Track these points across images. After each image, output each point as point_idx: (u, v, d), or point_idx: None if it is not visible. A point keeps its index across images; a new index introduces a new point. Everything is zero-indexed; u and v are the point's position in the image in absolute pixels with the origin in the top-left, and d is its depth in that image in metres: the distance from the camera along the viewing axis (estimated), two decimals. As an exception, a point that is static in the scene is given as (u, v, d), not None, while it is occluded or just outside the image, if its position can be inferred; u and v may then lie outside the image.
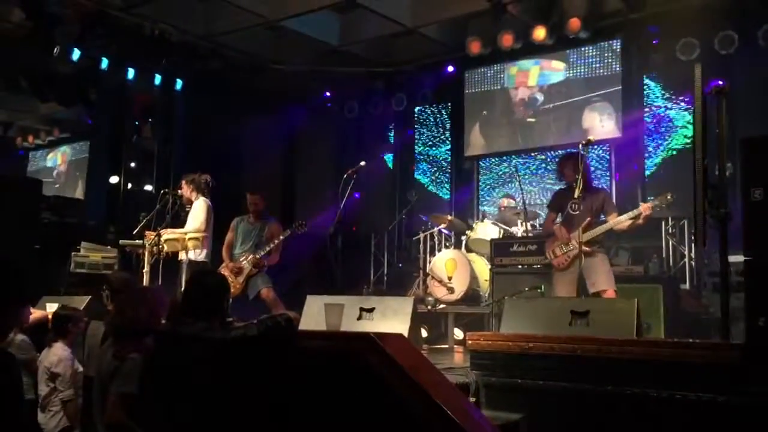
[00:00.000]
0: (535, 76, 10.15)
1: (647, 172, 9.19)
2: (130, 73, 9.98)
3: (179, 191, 7.33)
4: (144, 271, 6.98)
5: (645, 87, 9.32)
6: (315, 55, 10.67)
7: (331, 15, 10.02)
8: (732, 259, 4.29)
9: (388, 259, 10.41)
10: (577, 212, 5.85)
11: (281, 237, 7.07)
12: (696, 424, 3.20)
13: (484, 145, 10.63)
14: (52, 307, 5.76)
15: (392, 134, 11.64)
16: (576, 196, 5.78)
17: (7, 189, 9.55)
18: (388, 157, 11.55)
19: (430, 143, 11.32)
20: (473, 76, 10.71)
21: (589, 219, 5.88)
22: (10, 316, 2.56)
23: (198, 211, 7.10)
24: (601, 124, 9.49)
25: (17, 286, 2.49)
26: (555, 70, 9.96)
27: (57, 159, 15.11)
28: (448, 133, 11.14)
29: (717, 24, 8.42)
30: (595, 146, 8.99)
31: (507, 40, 9.38)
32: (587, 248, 5.81)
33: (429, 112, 11.38)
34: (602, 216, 6.09)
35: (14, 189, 9.67)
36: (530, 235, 7.58)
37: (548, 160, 9.97)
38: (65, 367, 4.70)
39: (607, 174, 9.54)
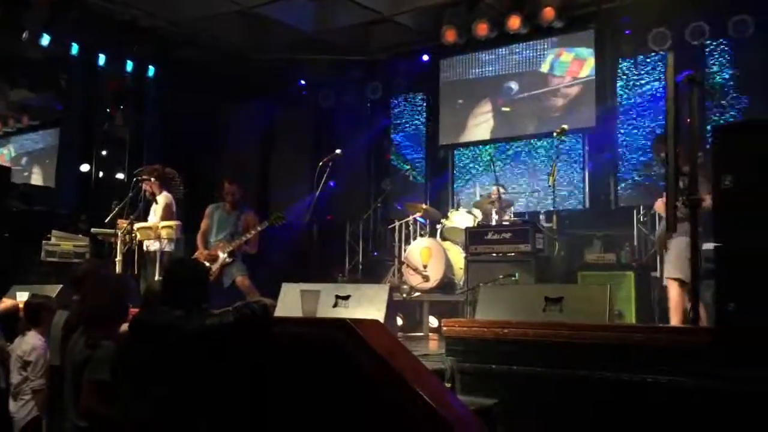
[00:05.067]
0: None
1: (619, 161, 9.28)
2: (101, 59, 9.82)
3: (142, 185, 7.29)
4: (116, 260, 6.94)
5: (618, 77, 9.38)
6: (290, 43, 10.60)
7: (306, 2, 9.94)
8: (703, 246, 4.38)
9: (363, 248, 10.40)
10: None
11: (258, 228, 7.04)
12: (668, 406, 3.26)
13: (460, 134, 10.65)
14: (22, 296, 5.68)
15: (367, 122, 11.60)
16: None
17: (-26, 177, 9.42)
18: (364, 145, 11.50)
19: (405, 132, 11.31)
20: (449, 64, 10.71)
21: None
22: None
23: (162, 208, 7.23)
24: (575, 113, 9.55)
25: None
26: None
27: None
28: (423, 122, 11.13)
29: (688, 15, 8.53)
30: (569, 135, 9.03)
31: (482, 29, 9.44)
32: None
33: (404, 100, 11.36)
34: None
35: (-19, 177, 9.54)
36: (504, 223, 7.62)
37: (523, 149, 10.04)
38: (38, 356, 4.65)
39: (581, 163, 9.61)
